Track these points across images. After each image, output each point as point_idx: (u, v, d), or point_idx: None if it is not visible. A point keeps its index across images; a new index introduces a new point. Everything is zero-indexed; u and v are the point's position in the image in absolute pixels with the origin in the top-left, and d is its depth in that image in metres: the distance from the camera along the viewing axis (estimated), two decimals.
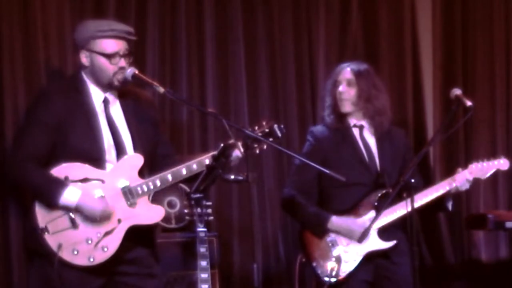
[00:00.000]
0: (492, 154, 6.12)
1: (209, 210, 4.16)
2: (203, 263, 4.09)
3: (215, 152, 4.17)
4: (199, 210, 4.11)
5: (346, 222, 4.78)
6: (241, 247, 5.60)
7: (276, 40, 5.82)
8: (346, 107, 4.92)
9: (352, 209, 4.83)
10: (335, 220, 4.79)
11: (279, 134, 4.23)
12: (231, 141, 3.97)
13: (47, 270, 3.99)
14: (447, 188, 4.91)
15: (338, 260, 4.73)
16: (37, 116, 4.06)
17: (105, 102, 4.18)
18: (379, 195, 4.79)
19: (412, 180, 4.41)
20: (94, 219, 4.02)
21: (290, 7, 5.87)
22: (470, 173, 4.95)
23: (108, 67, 4.13)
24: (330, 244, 4.79)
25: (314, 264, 4.79)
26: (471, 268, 6.18)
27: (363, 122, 4.97)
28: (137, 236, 4.15)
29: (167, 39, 5.50)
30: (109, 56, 4.13)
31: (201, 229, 4.11)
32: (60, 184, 3.98)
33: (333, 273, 4.68)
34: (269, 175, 5.74)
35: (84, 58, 4.15)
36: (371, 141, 4.97)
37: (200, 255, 4.08)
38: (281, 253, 5.75)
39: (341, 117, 4.95)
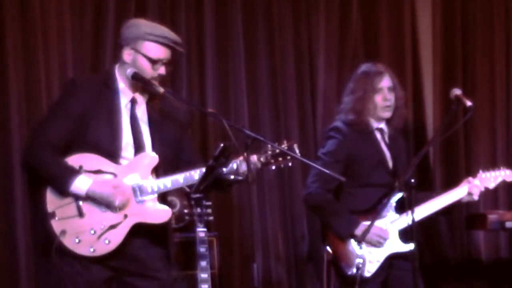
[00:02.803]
0: (492, 154, 6.16)
1: (209, 210, 4.16)
2: (203, 263, 4.09)
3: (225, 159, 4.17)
4: (199, 210, 4.11)
5: (373, 230, 4.71)
6: (241, 247, 5.61)
7: (276, 40, 5.83)
8: (389, 113, 4.96)
9: (373, 210, 4.83)
10: (363, 227, 4.75)
11: (298, 154, 4.21)
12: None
13: (55, 262, 4.00)
14: (461, 196, 4.94)
15: (363, 259, 4.74)
16: (62, 104, 4.08)
17: (132, 101, 4.19)
18: (391, 199, 4.79)
19: (412, 180, 4.41)
20: (111, 205, 4.04)
21: (290, 7, 5.88)
22: (481, 182, 4.97)
23: (149, 71, 4.12)
24: (355, 243, 4.81)
25: (341, 262, 4.80)
26: (471, 268, 6.19)
27: (382, 125, 5.00)
28: (149, 235, 4.15)
29: None
30: (153, 61, 4.13)
31: (201, 229, 4.11)
32: (73, 172, 3.99)
33: (359, 272, 4.69)
34: (269, 175, 5.73)
35: (127, 56, 4.14)
36: (387, 144, 4.99)
37: (200, 255, 4.08)
38: (281, 253, 5.76)
39: (364, 120, 4.96)
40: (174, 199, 5.12)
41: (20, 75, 4.87)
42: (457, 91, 4.76)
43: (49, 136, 4.03)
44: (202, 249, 4.09)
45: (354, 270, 4.70)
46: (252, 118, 5.73)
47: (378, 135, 5.00)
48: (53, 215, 3.99)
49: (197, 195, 4.07)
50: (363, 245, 4.79)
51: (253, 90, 5.77)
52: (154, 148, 4.19)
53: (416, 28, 6.25)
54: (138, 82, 4.18)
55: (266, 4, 5.81)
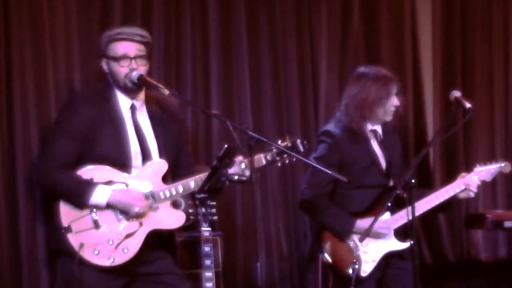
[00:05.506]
0: (491, 155, 6.16)
1: (213, 210, 4.21)
2: (207, 262, 4.13)
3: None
4: (203, 210, 4.16)
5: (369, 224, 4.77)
6: (244, 246, 5.64)
7: (278, 43, 5.87)
8: (392, 117, 4.98)
9: (368, 211, 4.88)
10: (360, 223, 4.83)
11: (302, 149, 4.28)
12: (236, 145, 4.02)
13: (70, 269, 4.05)
14: (456, 191, 4.98)
15: (359, 260, 4.78)
16: (65, 125, 4.15)
17: (132, 108, 4.24)
18: (393, 196, 4.82)
19: (413, 181, 4.42)
20: (131, 212, 4.09)
21: (292, 10, 5.91)
22: (477, 175, 5.00)
23: (119, 70, 4.19)
24: (350, 245, 4.86)
25: (337, 262, 4.85)
26: (470, 268, 6.22)
27: (377, 127, 5.03)
28: (158, 240, 4.21)
29: (172, 43, 5.53)
30: (118, 59, 4.19)
31: (205, 228, 4.16)
32: (90, 184, 4.06)
33: (354, 273, 4.73)
34: (272, 175, 5.77)
35: (104, 66, 4.24)
36: (381, 146, 5.02)
37: (204, 254, 4.13)
38: (284, 252, 5.79)
39: (365, 123, 4.98)
40: (179, 199, 5.18)
41: (28, 78, 4.88)
42: (456, 93, 4.76)
43: (58, 159, 4.10)
44: (207, 248, 4.14)
45: (350, 271, 4.73)
46: (255, 119, 5.77)
47: (371, 137, 5.02)
48: (69, 229, 4.04)
49: (202, 195, 4.12)
50: (360, 246, 4.83)
51: (256, 92, 5.80)
52: (160, 153, 4.24)
53: (416, 30, 6.28)
54: (144, 85, 4.24)
55: (269, 7, 5.84)
